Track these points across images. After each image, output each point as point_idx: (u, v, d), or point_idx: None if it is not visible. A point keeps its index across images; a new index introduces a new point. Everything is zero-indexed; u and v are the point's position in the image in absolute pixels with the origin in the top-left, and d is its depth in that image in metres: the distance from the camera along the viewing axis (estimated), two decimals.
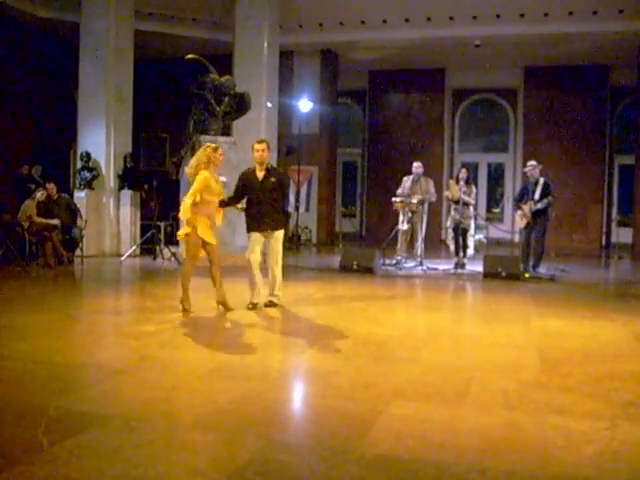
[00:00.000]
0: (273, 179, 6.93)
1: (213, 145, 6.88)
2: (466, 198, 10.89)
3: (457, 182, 11.01)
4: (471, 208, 11.12)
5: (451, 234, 11.27)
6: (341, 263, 10.72)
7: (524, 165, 11.39)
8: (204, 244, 6.69)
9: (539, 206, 10.37)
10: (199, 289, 7.22)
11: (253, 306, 6.90)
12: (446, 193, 11.29)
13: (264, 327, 6.23)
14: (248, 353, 5.14)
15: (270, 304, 7.03)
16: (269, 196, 6.90)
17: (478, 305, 8.55)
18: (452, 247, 11.25)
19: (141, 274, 11.01)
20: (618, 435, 3.36)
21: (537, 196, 10.40)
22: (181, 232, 6.84)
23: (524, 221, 10.55)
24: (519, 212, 10.66)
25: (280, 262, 7.07)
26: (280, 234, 7.02)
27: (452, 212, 11.15)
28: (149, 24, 14.86)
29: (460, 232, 11.02)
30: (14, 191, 13.23)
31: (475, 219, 11.68)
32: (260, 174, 6.95)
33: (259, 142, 7.06)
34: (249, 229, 7.01)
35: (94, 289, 9.25)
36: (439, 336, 6.05)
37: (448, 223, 11.40)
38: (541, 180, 10.55)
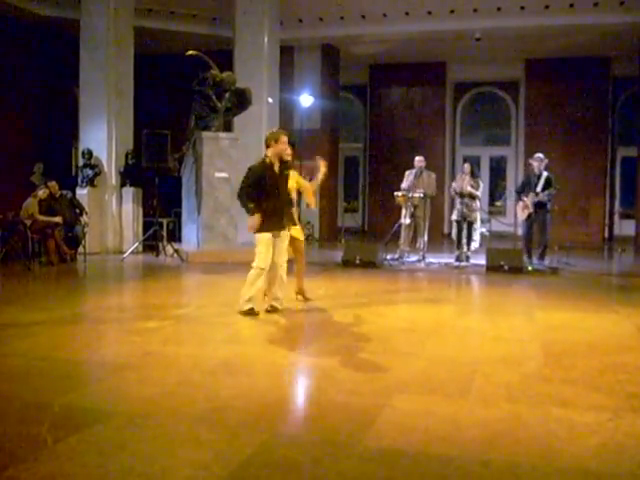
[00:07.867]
0: (286, 172, 6.47)
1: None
2: (473, 192, 10.88)
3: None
4: (477, 201, 11.10)
5: (455, 227, 11.25)
6: (343, 258, 10.71)
7: (526, 158, 11.36)
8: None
9: (542, 197, 10.37)
10: (202, 286, 7.25)
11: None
12: (454, 186, 11.24)
13: (266, 322, 6.22)
14: (251, 349, 5.15)
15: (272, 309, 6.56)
16: (283, 191, 6.41)
17: (481, 298, 8.54)
18: (457, 240, 11.24)
19: (144, 271, 11.01)
20: (622, 427, 3.36)
21: (539, 188, 10.41)
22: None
23: (525, 212, 10.56)
24: (520, 203, 10.66)
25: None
26: (287, 234, 6.56)
27: (458, 205, 11.10)
28: (149, 20, 14.83)
29: (466, 225, 11.01)
30: (21, 189, 13.15)
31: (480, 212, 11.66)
32: (277, 167, 6.36)
33: (285, 134, 6.46)
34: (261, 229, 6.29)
35: (97, 286, 9.26)
36: (442, 330, 6.05)
37: (453, 216, 11.35)
38: (545, 173, 10.57)
